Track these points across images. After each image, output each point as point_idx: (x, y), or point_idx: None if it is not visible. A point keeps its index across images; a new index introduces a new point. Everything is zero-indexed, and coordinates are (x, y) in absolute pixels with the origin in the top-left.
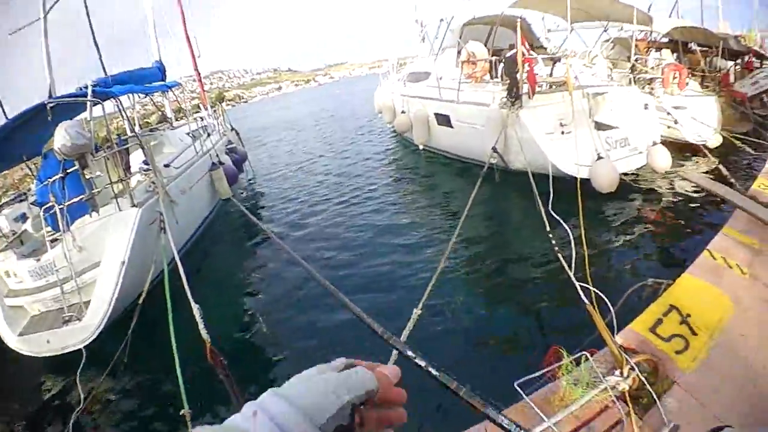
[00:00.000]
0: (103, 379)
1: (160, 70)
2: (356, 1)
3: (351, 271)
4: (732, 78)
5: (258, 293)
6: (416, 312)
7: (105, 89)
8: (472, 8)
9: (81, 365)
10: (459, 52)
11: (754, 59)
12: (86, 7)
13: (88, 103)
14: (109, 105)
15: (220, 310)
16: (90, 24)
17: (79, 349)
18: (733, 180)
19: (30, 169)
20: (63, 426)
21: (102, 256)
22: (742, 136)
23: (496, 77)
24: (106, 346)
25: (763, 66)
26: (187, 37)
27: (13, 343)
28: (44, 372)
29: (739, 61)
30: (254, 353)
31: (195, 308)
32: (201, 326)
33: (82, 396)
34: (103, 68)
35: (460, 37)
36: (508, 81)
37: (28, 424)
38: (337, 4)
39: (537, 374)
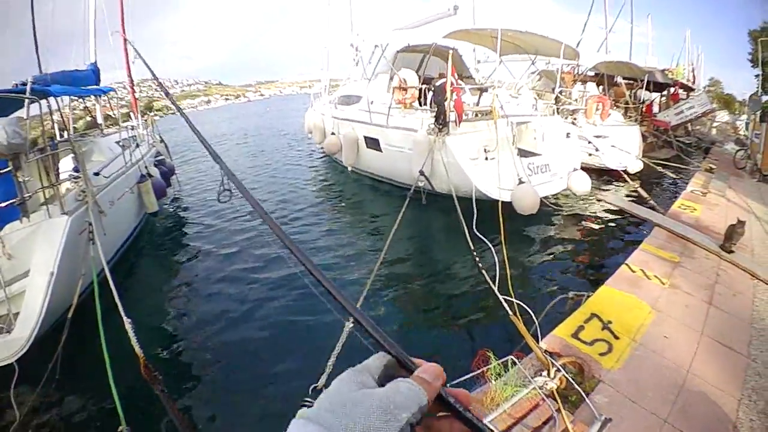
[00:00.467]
0: (36, 395)
1: (95, 73)
2: (291, 20)
3: (277, 290)
4: (656, 108)
5: (188, 307)
6: (348, 325)
7: (44, 87)
8: (406, 36)
9: (14, 381)
10: (391, 78)
11: (680, 91)
12: (32, 7)
13: (26, 101)
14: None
15: (152, 324)
16: (33, 17)
17: (11, 364)
18: (652, 201)
19: None
20: None
21: (31, 266)
22: (664, 162)
23: (425, 104)
24: (38, 361)
25: (690, 97)
26: (125, 41)
27: None
28: None
29: (665, 93)
30: (189, 367)
31: (127, 322)
32: (134, 341)
33: (17, 412)
34: (39, 66)
35: (393, 64)
36: (437, 108)
37: None
38: (271, 20)
39: (467, 377)
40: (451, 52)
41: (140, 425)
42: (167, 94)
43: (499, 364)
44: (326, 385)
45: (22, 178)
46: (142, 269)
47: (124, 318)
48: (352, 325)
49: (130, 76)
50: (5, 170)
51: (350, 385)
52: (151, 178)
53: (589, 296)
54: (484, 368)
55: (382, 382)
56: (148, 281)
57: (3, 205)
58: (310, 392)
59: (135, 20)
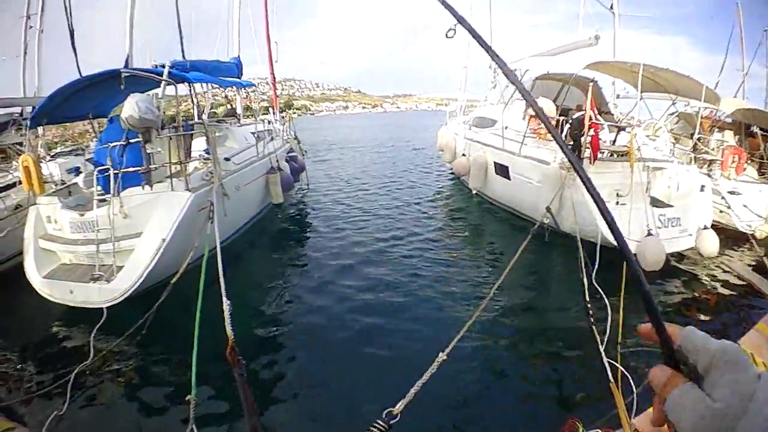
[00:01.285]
0: (116, 344)
1: (237, 67)
2: (431, 35)
3: (382, 299)
4: None
5: (288, 302)
6: (441, 356)
7: (181, 72)
8: (545, 63)
9: (99, 325)
10: (528, 106)
11: None
12: None
13: (163, 82)
14: (183, 87)
15: (247, 311)
16: (177, 4)
17: (101, 309)
18: None
19: (93, 126)
20: (65, 376)
21: (145, 229)
22: None
23: (563, 137)
24: (128, 314)
25: None
26: (268, 41)
27: (38, 284)
28: (64, 320)
29: None
30: (273, 361)
31: (225, 303)
32: (228, 322)
33: (92, 353)
34: (182, 51)
35: (532, 90)
36: (572, 143)
37: (33, 366)
38: (412, 34)
39: None
40: (591, 84)
41: (209, 401)
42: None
43: None
44: (402, 412)
45: (150, 150)
46: (255, 256)
47: (224, 298)
48: (445, 357)
49: (272, 73)
50: (135, 140)
51: None
52: (281, 172)
53: None
54: None
55: None
56: (257, 268)
57: (128, 170)
58: (384, 415)
59: (279, 20)
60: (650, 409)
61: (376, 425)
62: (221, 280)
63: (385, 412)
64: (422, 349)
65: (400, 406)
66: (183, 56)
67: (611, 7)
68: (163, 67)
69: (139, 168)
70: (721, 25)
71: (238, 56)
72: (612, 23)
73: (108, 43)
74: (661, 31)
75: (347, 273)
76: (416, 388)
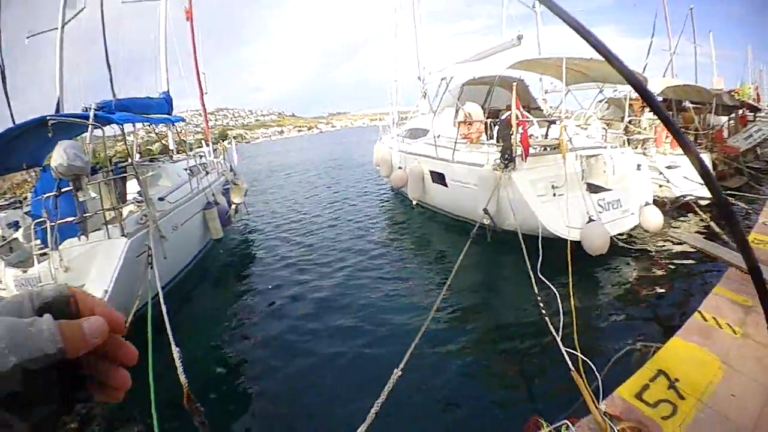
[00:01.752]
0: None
1: (167, 102)
2: (362, 54)
3: (335, 319)
4: (726, 133)
5: (241, 339)
6: (396, 372)
7: (107, 115)
8: (471, 68)
9: None
10: (457, 112)
11: (747, 113)
12: (103, 25)
13: (90, 126)
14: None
15: (202, 352)
16: (105, 43)
17: None
18: (725, 237)
19: (31, 175)
20: None
21: (87, 281)
22: (735, 192)
23: (492, 138)
24: None
25: (757, 119)
26: (197, 72)
27: None
28: None
29: (732, 115)
30: (232, 401)
31: (175, 351)
32: (180, 370)
33: None
34: (112, 89)
35: (459, 97)
36: (502, 143)
37: None
38: (343, 54)
39: None
40: (515, 83)
41: None
42: None
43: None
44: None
45: (82, 198)
46: (201, 295)
47: (173, 346)
48: (400, 373)
49: (203, 105)
50: (67, 189)
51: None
52: (218, 206)
53: (657, 348)
54: None
55: (40, 313)
56: (204, 308)
57: (63, 221)
58: None
59: (208, 50)
60: (618, 390)
61: None
62: (168, 327)
63: None
64: (378, 367)
65: (362, 429)
66: (113, 95)
67: (533, 6)
68: (89, 110)
69: (74, 218)
70: (646, 10)
71: (168, 90)
72: (536, 22)
73: (43, 86)
74: (588, 23)
75: (297, 301)
76: (376, 408)
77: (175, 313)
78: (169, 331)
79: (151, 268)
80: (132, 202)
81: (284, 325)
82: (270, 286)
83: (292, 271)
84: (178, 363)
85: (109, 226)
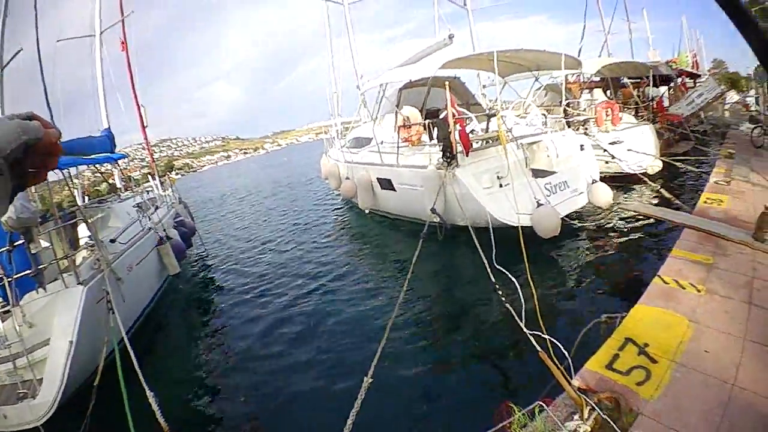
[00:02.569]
0: None
1: (110, 139)
2: (302, 69)
3: (302, 337)
4: (667, 102)
5: (214, 369)
6: (367, 380)
7: None
8: (407, 73)
9: None
10: (396, 117)
11: (687, 80)
12: (41, 66)
13: None
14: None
15: (176, 391)
16: (44, 84)
17: (38, 429)
18: (678, 201)
19: None
20: None
21: (51, 334)
22: (683, 157)
23: (433, 139)
24: (66, 429)
25: (697, 85)
26: (137, 105)
27: None
28: None
29: (672, 85)
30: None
31: (150, 396)
32: (158, 414)
33: None
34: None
35: (398, 101)
36: (442, 142)
37: None
38: (282, 71)
39: None
40: (447, 82)
41: None
42: None
43: (523, 415)
44: None
45: (35, 250)
46: (166, 333)
47: (147, 391)
48: (371, 380)
49: (146, 138)
50: (19, 242)
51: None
52: (171, 240)
53: (623, 317)
54: (506, 422)
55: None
56: (172, 345)
57: (20, 275)
58: None
59: (148, 79)
60: (587, 365)
61: None
62: (139, 373)
63: None
64: (349, 376)
65: None
66: None
67: (464, 4)
68: None
69: (29, 271)
70: None
71: (109, 127)
72: (468, 19)
73: None
74: (519, 14)
75: (262, 324)
76: (352, 419)
77: (144, 353)
78: (140, 377)
79: (112, 313)
80: (84, 248)
81: (252, 349)
82: (234, 316)
83: (254, 296)
84: (155, 407)
85: (64, 275)
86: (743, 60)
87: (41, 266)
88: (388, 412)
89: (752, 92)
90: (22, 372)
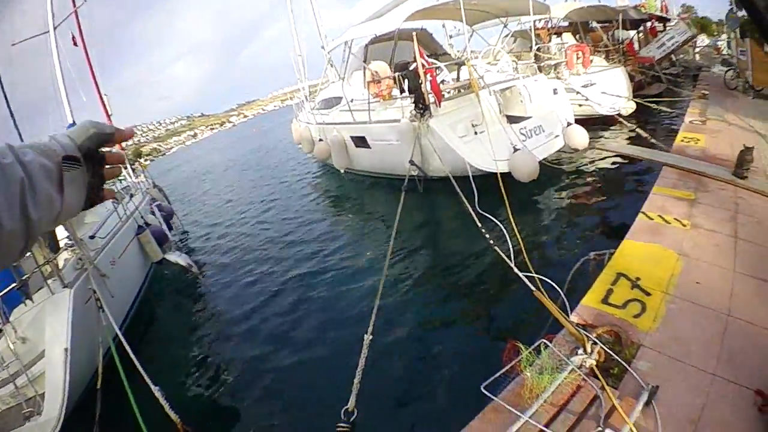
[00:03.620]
0: None
1: None
2: (262, 37)
3: (297, 307)
4: (637, 46)
5: (214, 353)
6: (367, 338)
7: None
8: (372, 28)
9: None
10: (365, 73)
11: (656, 24)
12: None
13: None
14: None
15: (180, 378)
16: (2, 88)
17: None
18: (654, 140)
19: None
20: None
21: (45, 345)
22: (656, 98)
23: (404, 92)
24: None
25: (667, 29)
26: (100, 96)
27: None
28: None
29: (641, 29)
30: (225, 419)
31: (155, 390)
32: (167, 408)
33: None
34: (19, 134)
35: (365, 58)
36: (414, 94)
37: None
38: (241, 41)
39: (500, 373)
40: (414, 33)
41: None
42: None
43: (530, 353)
44: (357, 406)
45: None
46: (160, 323)
47: (152, 386)
48: (371, 337)
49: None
50: None
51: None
52: (150, 227)
53: (611, 254)
54: (515, 360)
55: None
56: (167, 335)
57: (4, 291)
58: (342, 416)
59: (108, 71)
60: (583, 301)
61: (339, 428)
62: (139, 367)
63: (343, 410)
64: (348, 334)
65: (352, 401)
66: (20, 138)
67: None
68: None
69: (13, 285)
70: None
71: (73, 123)
72: None
73: None
74: None
75: (253, 301)
76: (359, 378)
77: (141, 347)
78: (143, 373)
79: (102, 311)
80: (65, 249)
81: (248, 326)
82: (225, 293)
83: (242, 273)
84: (162, 401)
85: (49, 281)
86: (711, 5)
87: (25, 277)
88: (393, 366)
89: (724, 36)
90: (25, 390)
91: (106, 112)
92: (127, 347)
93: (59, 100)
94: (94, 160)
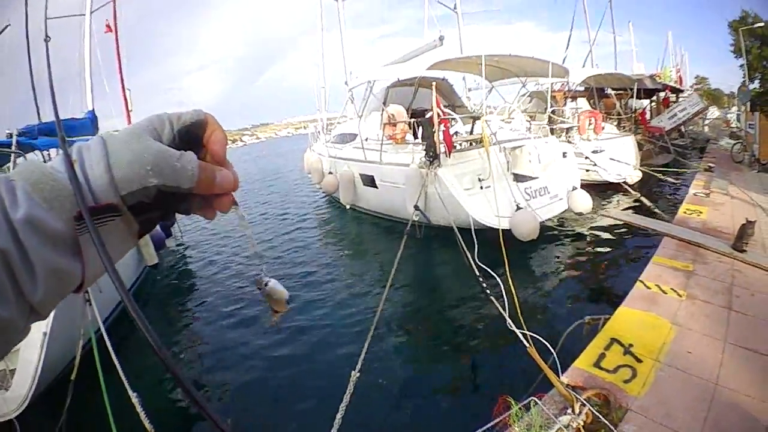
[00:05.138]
0: None
1: (92, 122)
2: (282, 64)
3: (285, 334)
4: (649, 115)
5: (195, 363)
6: (354, 374)
7: (30, 140)
8: (396, 71)
9: None
10: (382, 114)
11: (670, 95)
12: (28, 44)
13: (12, 155)
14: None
15: (155, 385)
16: (30, 64)
17: (12, 422)
18: (657, 210)
19: None
20: None
21: None
22: (663, 168)
23: (418, 138)
24: (42, 423)
25: (679, 100)
26: (123, 88)
27: None
28: None
29: (654, 98)
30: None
31: (133, 397)
32: (143, 416)
33: None
34: (38, 113)
35: (385, 99)
36: (426, 141)
37: None
38: (263, 61)
39: (488, 426)
40: (434, 83)
41: None
42: None
43: (520, 409)
44: None
45: None
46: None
47: (129, 391)
48: (358, 374)
49: (129, 123)
50: None
51: (147, 129)
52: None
53: (606, 319)
54: (505, 415)
55: (178, 135)
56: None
57: None
58: None
59: (128, 69)
60: (576, 363)
61: None
62: (119, 369)
63: None
64: (336, 371)
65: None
66: (39, 118)
67: (455, 8)
68: (11, 137)
69: None
70: (564, 5)
71: (93, 110)
72: (457, 22)
73: None
74: (507, 20)
75: (243, 321)
76: (341, 413)
77: (120, 348)
78: (122, 375)
79: (90, 304)
80: None
81: (235, 342)
82: (215, 308)
83: (235, 290)
84: (139, 409)
85: None
86: (726, 78)
87: None
88: (378, 407)
89: (734, 109)
90: None
91: (127, 107)
92: (109, 345)
93: (80, 87)
94: (157, 205)
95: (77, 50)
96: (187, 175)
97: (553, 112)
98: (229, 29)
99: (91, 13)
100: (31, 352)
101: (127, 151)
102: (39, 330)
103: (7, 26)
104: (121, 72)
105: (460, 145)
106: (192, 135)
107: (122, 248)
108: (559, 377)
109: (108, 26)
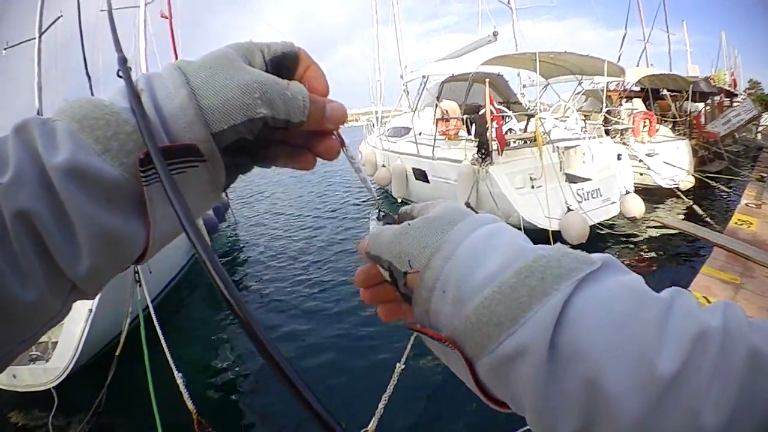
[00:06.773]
0: (73, 430)
1: None
2: (332, 56)
3: (330, 326)
4: (703, 120)
5: (239, 350)
6: (399, 366)
7: None
8: (450, 66)
9: (54, 408)
10: (435, 109)
11: (724, 99)
12: (81, 33)
13: None
14: None
15: (201, 368)
16: (84, 52)
17: (50, 392)
18: (708, 219)
19: None
20: None
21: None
22: (715, 176)
23: (471, 134)
24: (82, 395)
25: (734, 105)
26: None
27: None
28: (17, 408)
29: (709, 102)
30: (243, 419)
31: (178, 377)
32: (186, 396)
33: None
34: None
35: (439, 94)
36: (479, 138)
37: None
38: (315, 52)
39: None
40: (487, 79)
41: None
42: None
43: None
44: (377, 429)
45: None
46: (192, 309)
47: (175, 371)
48: (403, 366)
49: None
50: None
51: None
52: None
53: None
54: None
55: (270, 66)
56: (197, 321)
57: None
58: None
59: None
60: None
61: None
62: (166, 350)
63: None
64: (381, 363)
65: (372, 424)
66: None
67: (508, 2)
68: None
69: None
70: (620, 1)
71: None
72: (511, 17)
73: (21, 99)
74: (560, 16)
75: (292, 309)
76: (383, 403)
77: (167, 327)
78: (168, 355)
79: (139, 285)
80: None
81: (282, 330)
82: (263, 292)
83: (284, 280)
84: (182, 389)
85: None
86: None
87: None
88: (419, 400)
89: None
90: None
91: None
92: (157, 326)
93: (137, 69)
94: (254, 147)
95: (132, 40)
96: (298, 106)
97: (608, 112)
98: (277, 21)
99: (146, 5)
100: (73, 328)
101: (222, 76)
102: (84, 308)
103: (59, 17)
104: (176, 59)
105: (513, 142)
106: (283, 68)
107: (201, 206)
108: None
109: (162, 13)
